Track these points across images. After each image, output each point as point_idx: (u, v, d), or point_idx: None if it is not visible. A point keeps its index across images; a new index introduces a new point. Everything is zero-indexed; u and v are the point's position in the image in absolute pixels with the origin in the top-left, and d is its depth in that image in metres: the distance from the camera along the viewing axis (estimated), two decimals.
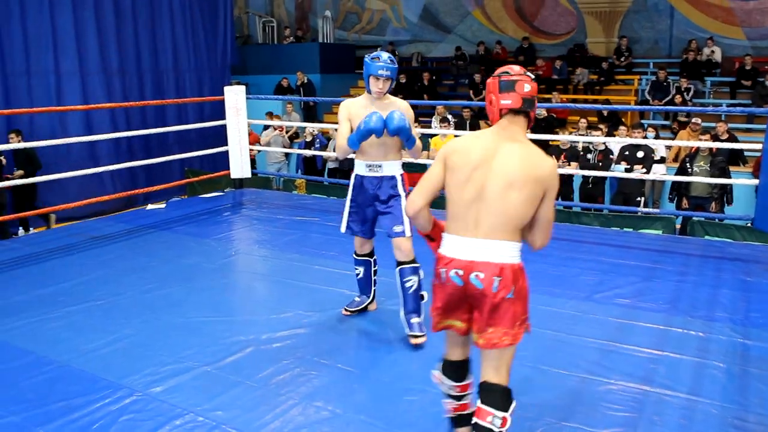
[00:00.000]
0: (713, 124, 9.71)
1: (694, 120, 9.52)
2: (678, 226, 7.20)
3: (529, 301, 2.38)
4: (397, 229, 3.65)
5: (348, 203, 3.85)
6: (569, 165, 8.10)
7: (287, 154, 11.24)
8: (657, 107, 11.28)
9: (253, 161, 9.06)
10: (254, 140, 9.70)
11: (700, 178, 7.15)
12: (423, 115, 12.53)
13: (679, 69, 12.82)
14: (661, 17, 14.04)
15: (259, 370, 3.35)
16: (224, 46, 12.84)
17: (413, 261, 3.64)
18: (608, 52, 14.40)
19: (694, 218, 6.73)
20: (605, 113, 11.14)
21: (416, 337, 3.58)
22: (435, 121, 10.75)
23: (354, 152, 3.72)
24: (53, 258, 5.32)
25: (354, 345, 3.70)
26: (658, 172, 8.20)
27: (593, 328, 3.85)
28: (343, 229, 3.89)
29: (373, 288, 4.05)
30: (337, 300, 4.26)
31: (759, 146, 5.55)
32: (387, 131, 3.52)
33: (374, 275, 4.02)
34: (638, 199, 7.96)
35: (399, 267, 3.65)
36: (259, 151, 10.37)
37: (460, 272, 2.31)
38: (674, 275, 4.78)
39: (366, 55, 3.69)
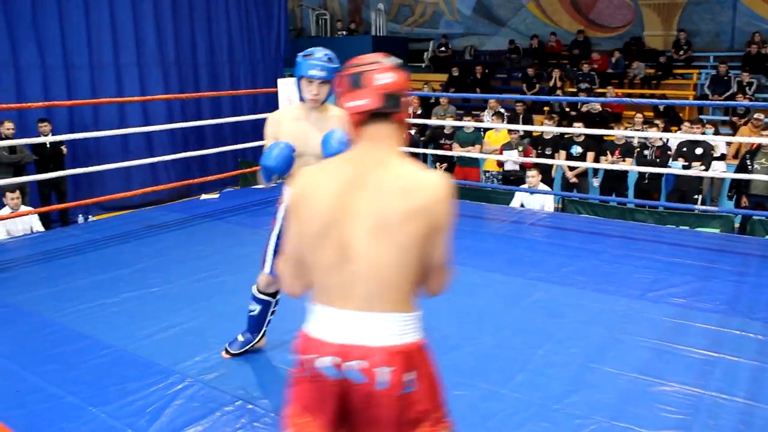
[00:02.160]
0: None
1: (756, 116, 9.22)
2: (737, 225, 6.99)
3: (441, 391, 1.73)
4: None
5: (273, 238, 3.25)
6: (624, 161, 7.94)
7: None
8: (715, 102, 10.96)
9: None
10: None
11: (761, 176, 6.92)
12: (476, 109, 12.44)
13: (742, 63, 12.43)
14: (722, 9, 13.61)
15: None
16: (278, 38, 12.97)
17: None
18: (666, 45, 14.05)
19: (754, 217, 6.53)
20: (662, 108, 10.88)
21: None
22: (487, 115, 10.66)
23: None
24: (111, 245, 5.47)
25: None
26: (718, 169, 7.97)
27: (646, 328, 3.77)
28: (266, 269, 3.24)
29: (265, 329, 3.46)
30: None
31: None
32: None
33: (270, 315, 3.42)
34: (696, 196, 7.75)
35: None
36: None
37: (333, 361, 1.60)
38: (732, 275, 4.65)
39: (300, 53, 3.00)
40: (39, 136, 7.90)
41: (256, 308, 3.33)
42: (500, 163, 8.57)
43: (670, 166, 7.54)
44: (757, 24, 13.13)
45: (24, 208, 6.50)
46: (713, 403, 2.97)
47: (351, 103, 1.66)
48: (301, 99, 2.98)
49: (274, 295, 3.33)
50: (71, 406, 2.95)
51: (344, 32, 16.62)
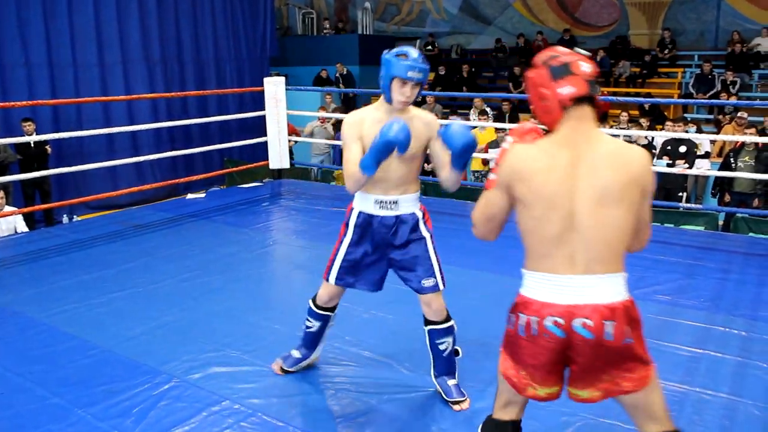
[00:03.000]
0: (760, 118, 9.49)
1: (739, 114, 9.31)
2: (721, 223, 7.05)
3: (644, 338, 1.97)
4: (428, 283, 2.88)
5: (344, 247, 2.94)
6: None
7: (331, 146, 11.27)
8: (700, 101, 11.06)
9: (291, 152, 9.12)
10: (292, 131, 9.75)
11: (744, 174, 6.99)
12: (462, 107, 12.47)
13: (725, 62, 12.53)
14: (707, 8, 13.73)
15: None
16: (264, 37, 12.94)
17: (447, 319, 2.94)
18: (651, 44, 14.15)
19: (738, 214, 6.59)
20: (647, 107, 10.95)
21: (458, 402, 2.97)
22: (473, 113, 10.69)
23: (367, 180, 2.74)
24: (96, 245, 5.43)
25: (393, 337, 3.69)
26: (702, 167, 8.04)
27: None
28: (332, 279, 2.96)
29: (321, 344, 3.24)
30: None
31: None
32: (449, 148, 2.64)
33: (327, 329, 3.21)
34: (680, 194, 7.82)
35: (429, 327, 2.95)
36: (296, 142, 10.42)
37: (560, 321, 1.83)
38: (716, 272, 4.69)
39: (386, 51, 2.75)
40: (23, 135, 7.85)
41: (315, 324, 3.12)
42: (486, 162, 8.61)
43: (654, 164, 7.60)
44: (740, 23, 13.25)
45: (8, 209, 6.45)
46: (698, 399, 3.00)
47: (563, 90, 1.86)
48: (387, 99, 2.76)
49: (333, 309, 3.12)
50: (57, 407, 2.93)
51: (331, 31, 16.60)
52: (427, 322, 2.95)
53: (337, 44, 15.36)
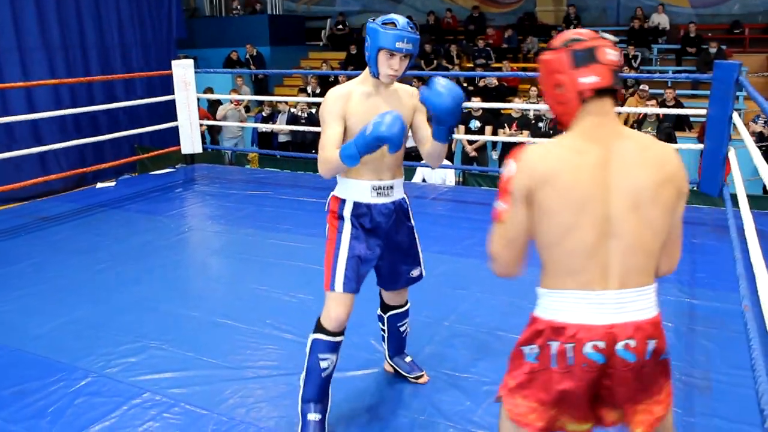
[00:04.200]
0: (660, 91, 9.91)
1: (641, 87, 9.70)
2: None
3: None
4: (414, 273, 2.75)
5: (345, 245, 2.53)
6: (521, 133, 8.19)
7: (244, 129, 11.09)
8: None
9: (203, 136, 8.91)
10: (203, 115, 9.53)
11: None
12: None
13: (627, 37, 13.01)
14: None
15: (216, 345, 3.34)
16: (170, 19, 12.51)
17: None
18: (557, 20, 14.53)
19: None
20: None
21: (420, 376, 2.97)
22: None
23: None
24: (0, 240, 5.19)
25: (314, 318, 3.68)
26: None
27: None
28: (338, 286, 2.48)
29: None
30: (292, 273, 4.25)
31: (704, 111, 5.68)
32: (435, 107, 2.32)
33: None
34: None
35: (391, 313, 2.86)
36: (208, 126, 10.19)
37: (601, 345, 1.57)
38: None
39: (370, 20, 2.47)
40: None
41: (331, 359, 2.53)
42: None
43: None
44: (639, 0, 13.76)
45: None
46: None
47: (584, 79, 1.61)
48: (373, 73, 2.46)
49: (343, 331, 2.58)
50: None
51: (240, 11, 16.26)
52: (388, 308, 2.87)
53: (246, 25, 15.06)
